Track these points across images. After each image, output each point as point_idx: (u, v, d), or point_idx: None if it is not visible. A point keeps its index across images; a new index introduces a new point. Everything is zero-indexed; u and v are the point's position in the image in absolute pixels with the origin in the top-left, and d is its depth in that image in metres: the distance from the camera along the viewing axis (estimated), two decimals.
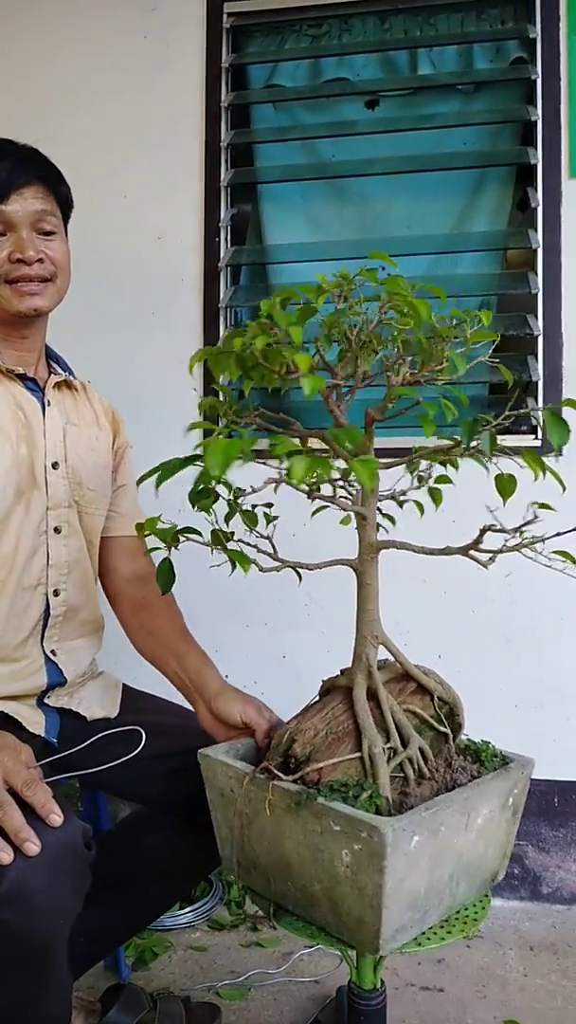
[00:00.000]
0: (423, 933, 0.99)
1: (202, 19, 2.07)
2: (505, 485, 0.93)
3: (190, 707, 1.39)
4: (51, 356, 1.38)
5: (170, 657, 1.35)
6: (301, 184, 2.11)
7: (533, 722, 1.90)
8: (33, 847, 0.92)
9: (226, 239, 2.08)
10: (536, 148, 1.91)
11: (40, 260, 1.22)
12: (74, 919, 1.01)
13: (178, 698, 1.41)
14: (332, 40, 2.09)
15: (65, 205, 1.30)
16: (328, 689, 1.12)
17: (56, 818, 0.95)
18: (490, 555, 1.01)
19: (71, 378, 1.37)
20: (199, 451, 0.93)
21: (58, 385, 1.33)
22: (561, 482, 0.96)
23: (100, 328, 2.08)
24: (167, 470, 0.97)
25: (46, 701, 1.29)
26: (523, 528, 1.01)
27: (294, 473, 0.82)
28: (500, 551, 1.00)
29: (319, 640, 1.88)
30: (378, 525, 1.14)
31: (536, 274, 1.91)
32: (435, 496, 1.12)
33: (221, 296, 2.04)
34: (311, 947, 1.69)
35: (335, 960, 1.67)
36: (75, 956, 1.15)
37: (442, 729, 1.09)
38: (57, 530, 1.29)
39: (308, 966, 1.66)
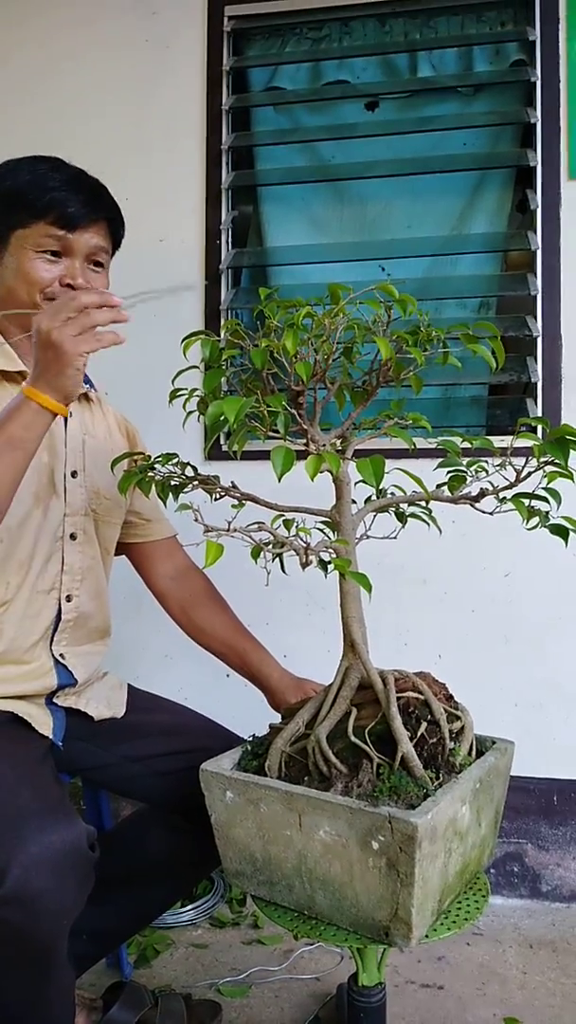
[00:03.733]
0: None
1: (203, 23, 2.08)
2: None
3: (196, 705, 1.46)
4: None
5: (230, 653, 1.47)
6: (301, 186, 2.11)
7: (533, 721, 1.91)
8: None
9: (227, 242, 2.09)
10: (535, 150, 1.92)
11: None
12: (74, 919, 1.02)
13: (184, 696, 1.42)
14: (332, 43, 2.09)
15: (116, 244, 1.36)
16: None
17: (117, 298, 1.05)
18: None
19: (90, 391, 1.39)
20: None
21: (78, 398, 1.35)
22: None
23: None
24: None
25: (55, 700, 1.30)
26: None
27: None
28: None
29: (319, 640, 1.89)
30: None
31: (535, 276, 1.92)
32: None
33: (222, 298, 2.05)
34: (312, 944, 1.70)
35: (336, 957, 1.68)
36: (77, 954, 1.16)
37: (353, 740, 1.06)
38: (73, 537, 1.31)
39: (309, 963, 1.67)
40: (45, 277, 1.23)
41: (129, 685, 1.46)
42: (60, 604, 1.30)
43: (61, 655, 1.30)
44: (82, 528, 1.32)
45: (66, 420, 1.31)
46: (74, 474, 1.31)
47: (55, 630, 1.30)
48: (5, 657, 1.23)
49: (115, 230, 1.33)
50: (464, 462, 1.11)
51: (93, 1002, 1.42)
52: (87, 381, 1.41)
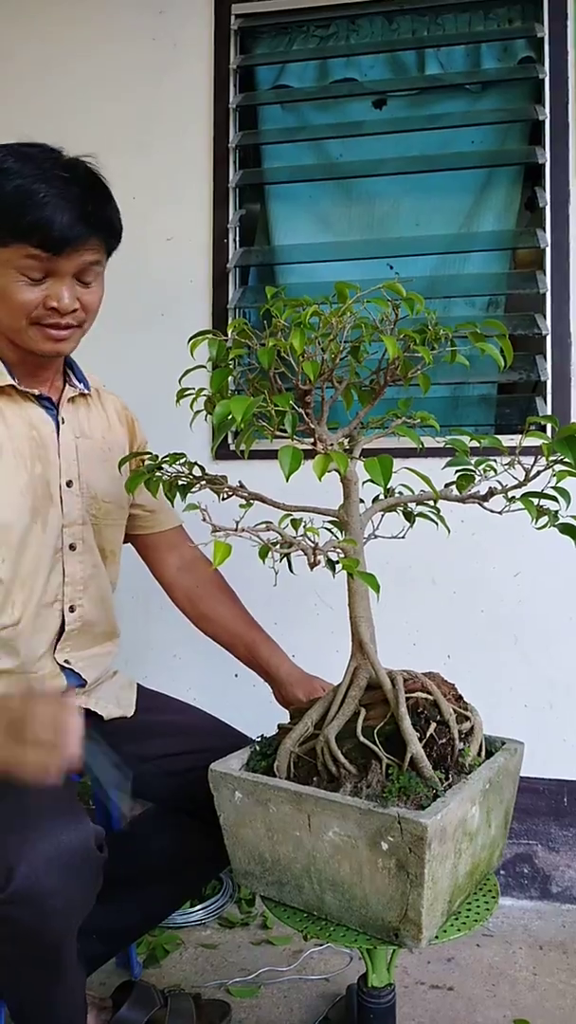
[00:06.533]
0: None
1: (210, 21, 2.08)
2: None
3: (204, 706, 1.45)
4: (66, 362, 1.37)
5: (238, 644, 1.45)
6: (309, 184, 2.11)
7: (543, 722, 1.90)
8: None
9: (234, 240, 2.08)
10: (544, 147, 1.91)
11: (74, 310, 1.19)
12: (83, 919, 1.02)
13: (192, 696, 1.41)
14: (340, 40, 2.09)
15: (113, 247, 1.24)
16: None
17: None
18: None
19: (84, 390, 1.36)
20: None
21: (72, 398, 1.33)
22: None
23: (110, 330, 2.08)
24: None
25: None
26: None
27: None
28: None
29: (328, 640, 1.88)
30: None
31: (544, 273, 1.91)
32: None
33: (230, 297, 2.05)
34: (321, 945, 1.70)
35: (345, 958, 1.67)
36: (87, 954, 1.16)
37: (361, 740, 1.06)
38: (72, 547, 1.29)
39: (318, 964, 1.67)
40: (29, 300, 1.15)
41: (138, 684, 1.45)
42: (63, 615, 1.28)
43: (66, 661, 1.29)
44: (80, 537, 1.30)
45: (59, 427, 1.29)
46: (69, 483, 1.29)
47: (58, 639, 1.29)
48: (17, 670, 1.24)
49: (110, 240, 1.21)
50: (472, 461, 1.10)
51: (103, 1002, 1.42)
52: (80, 380, 1.36)
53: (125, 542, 1.47)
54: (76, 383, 1.35)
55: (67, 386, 1.34)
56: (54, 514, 1.26)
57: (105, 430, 1.39)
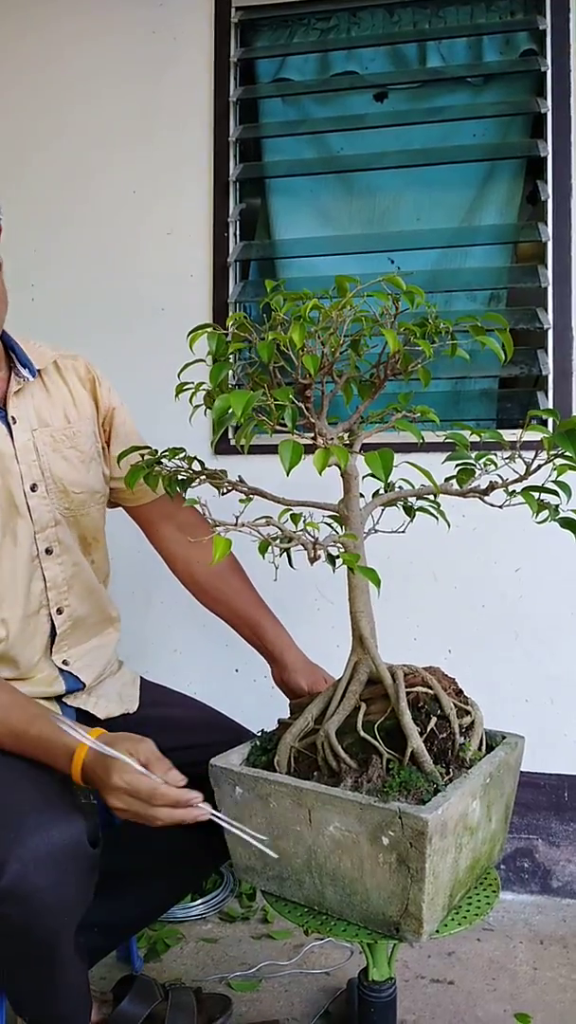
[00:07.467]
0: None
1: (210, 14, 2.07)
2: None
3: (205, 701, 1.45)
4: (8, 345, 1.27)
5: (242, 625, 1.42)
6: (310, 178, 2.10)
7: (544, 717, 1.90)
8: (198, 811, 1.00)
9: (235, 234, 2.08)
10: (546, 140, 1.90)
11: None
12: (80, 915, 1.02)
13: (192, 691, 1.41)
14: (340, 33, 2.08)
15: None
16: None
17: (197, 801, 1.01)
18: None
19: (31, 379, 1.27)
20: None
21: (23, 384, 1.26)
22: None
23: (110, 324, 2.09)
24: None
25: (64, 700, 1.30)
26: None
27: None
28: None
29: (328, 635, 1.88)
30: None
31: (546, 267, 1.90)
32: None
33: (230, 291, 2.04)
34: (322, 939, 1.70)
35: (345, 952, 1.68)
36: (88, 947, 1.16)
37: (362, 735, 1.07)
38: (48, 551, 1.26)
39: (319, 958, 1.67)
40: None
41: (141, 678, 1.45)
42: (52, 619, 1.27)
43: (64, 662, 1.28)
44: (56, 539, 1.26)
45: (11, 429, 1.23)
46: (34, 487, 1.24)
47: (53, 641, 1.28)
48: (16, 677, 1.24)
49: None
50: (473, 455, 1.10)
51: (103, 996, 1.42)
52: (24, 364, 1.26)
53: (114, 506, 1.43)
54: (21, 370, 1.26)
55: (12, 373, 1.26)
56: (23, 524, 1.23)
57: (68, 407, 1.32)
